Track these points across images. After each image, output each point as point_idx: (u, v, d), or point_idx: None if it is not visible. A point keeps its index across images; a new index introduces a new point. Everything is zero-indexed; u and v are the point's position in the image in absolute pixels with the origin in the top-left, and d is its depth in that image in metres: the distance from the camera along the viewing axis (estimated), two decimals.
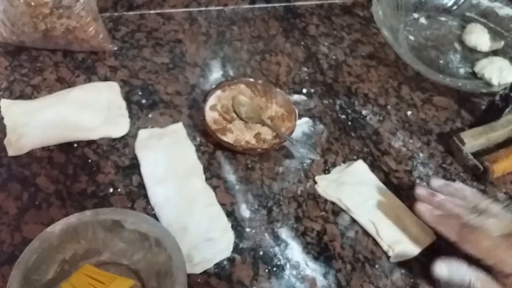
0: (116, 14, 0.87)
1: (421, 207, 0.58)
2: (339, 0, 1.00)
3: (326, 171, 0.70)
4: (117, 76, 0.77)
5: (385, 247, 0.62)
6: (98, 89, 0.73)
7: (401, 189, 0.69)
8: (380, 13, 0.87)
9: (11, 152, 0.64)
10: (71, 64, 0.77)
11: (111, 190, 0.63)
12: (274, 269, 0.59)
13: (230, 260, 0.59)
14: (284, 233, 0.62)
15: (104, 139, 0.68)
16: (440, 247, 0.60)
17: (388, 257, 0.62)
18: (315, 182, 0.68)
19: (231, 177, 0.67)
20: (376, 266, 0.61)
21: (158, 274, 0.53)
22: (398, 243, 0.62)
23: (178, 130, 0.71)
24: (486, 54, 0.92)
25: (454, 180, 0.71)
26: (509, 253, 0.48)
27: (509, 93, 0.74)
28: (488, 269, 0.50)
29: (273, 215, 0.64)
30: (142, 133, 0.69)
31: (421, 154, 0.75)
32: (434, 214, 0.56)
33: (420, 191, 0.60)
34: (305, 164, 0.70)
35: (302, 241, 0.62)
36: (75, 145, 0.67)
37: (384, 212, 0.65)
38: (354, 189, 0.67)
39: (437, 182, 0.61)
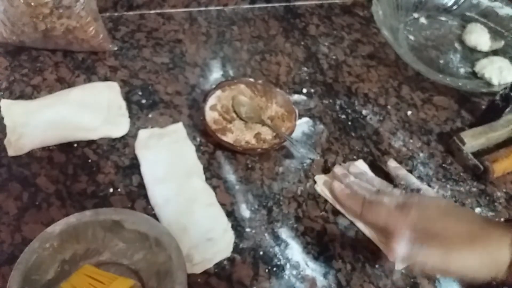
0: (116, 14, 0.87)
1: (335, 184, 0.65)
2: (339, 0, 1.00)
3: (326, 171, 0.70)
4: (117, 76, 0.77)
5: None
6: (98, 89, 0.73)
7: None
8: (380, 13, 0.87)
9: (11, 152, 0.64)
10: (71, 64, 0.77)
11: (111, 190, 0.63)
12: (274, 269, 0.59)
13: (230, 260, 0.59)
14: (284, 233, 0.62)
15: (104, 139, 0.68)
16: None
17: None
18: (315, 182, 0.68)
19: (231, 177, 0.67)
20: (376, 266, 0.61)
21: (158, 274, 0.53)
22: None
23: (178, 130, 0.71)
24: (486, 54, 0.92)
25: (455, 180, 0.72)
26: (401, 218, 0.56)
27: (509, 93, 0.74)
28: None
29: (273, 215, 0.64)
30: (142, 133, 0.69)
31: (421, 154, 0.75)
32: (344, 193, 0.64)
33: (337, 170, 0.67)
34: (305, 164, 0.70)
35: (302, 241, 0.62)
36: (75, 145, 0.67)
37: None
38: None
39: (354, 169, 0.68)
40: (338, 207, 0.65)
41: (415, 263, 0.53)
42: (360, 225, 0.64)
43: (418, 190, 0.64)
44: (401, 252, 0.53)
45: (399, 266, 0.60)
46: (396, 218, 0.56)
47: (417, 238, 0.53)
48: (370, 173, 0.68)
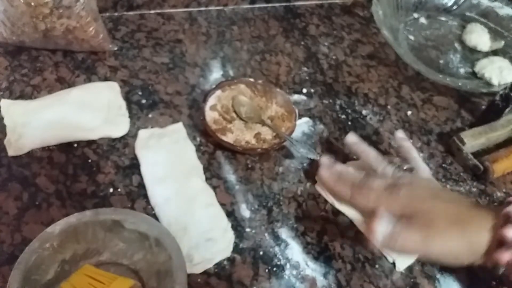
0: (116, 14, 0.87)
1: (322, 172, 0.60)
2: (339, 0, 1.00)
3: None
4: (117, 76, 0.77)
5: (390, 260, 0.61)
6: (98, 89, 0.73)
7: None
8: (380, 13, 0.87)
9: (11, 152, 0.64)
10: (71, 64, 0.77)
11: (111, 190, 0.63)
12: (274, 269, 0.59)
13: (230, 260, 0.59)
14: (284, 233, 0.62)
15: (104, 139, 0.68)
16: None
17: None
18: (316, 182, 0.68)
19: (231, 177, 0.67)
20: (376, 266, 0.61)
21: (158, 274, 0.53)
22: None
23: (178, 130, 0.71)
24: (486, 54, 0.92)
25: (455, 180, 0.72)
26: (390, 199, 0.54)
27: (509, 93, 0.74)
28: None
29: (273, 215, 0.64)
30: (142, 133, 0.69)
31: (421, 154, 0.74)
32: (331, 178, 0.60)
33: (324, 160, 0.63)
34: (305, 164, 0.70)
35: (302, 241, 0.62)
36: (75, 145, 0.67)
37: None
38: None
39: (351, 139, 0.66)
40: (329, 199, 0.64)
41: (396, 244, 0.50)
42: (358, 223, 0.64)
43: (412, 170, 0.61)
44: (381, 232, 0.50)
45: (380, 247, 0.58)
46: (385, 200, 0.54)
47: (401, 218, 0.51)
48: (364, 146, 0.64)
